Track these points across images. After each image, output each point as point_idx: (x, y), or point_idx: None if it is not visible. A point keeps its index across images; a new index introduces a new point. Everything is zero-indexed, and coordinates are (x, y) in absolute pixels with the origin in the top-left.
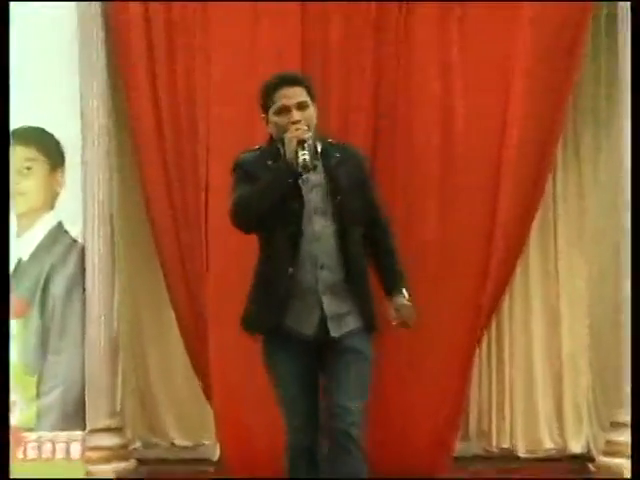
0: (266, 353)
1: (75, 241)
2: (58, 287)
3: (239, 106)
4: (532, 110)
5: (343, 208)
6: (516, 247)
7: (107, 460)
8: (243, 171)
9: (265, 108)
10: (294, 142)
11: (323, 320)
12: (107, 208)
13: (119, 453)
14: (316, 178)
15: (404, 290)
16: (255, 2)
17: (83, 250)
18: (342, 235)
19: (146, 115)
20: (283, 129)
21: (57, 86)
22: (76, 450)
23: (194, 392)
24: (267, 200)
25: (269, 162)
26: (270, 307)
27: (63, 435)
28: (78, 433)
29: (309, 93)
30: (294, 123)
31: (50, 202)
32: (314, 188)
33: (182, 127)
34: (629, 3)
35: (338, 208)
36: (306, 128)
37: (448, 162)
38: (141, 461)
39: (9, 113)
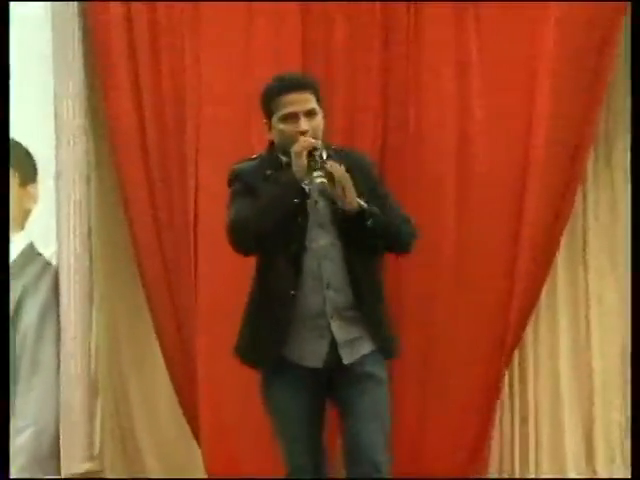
0: (265, 386)
1: (49, 263)
2: (30, 315)
3: (232, 107)
4: (560, 111)
5: (344, 225)
6: (544, 261)
7: None
8: (241, 184)
9: (268, 113)
10: (304, 156)
11: (333, 347)
12: (84, 226)
13: None
14: (314, 192)
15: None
16: (250, 2)
17: (57, 273)
18: (350, 251)
19: (127, 117)
20: (290, 138)
21: (30, 91)
22: None
23: (181, 432)
24: (269, 219)
25: (268, 172)
26: (269, 335)
27: None
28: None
29: (317, 98)
30: (302, 133)
31: (20, 221)
32: (318, 200)
33: (168, 130)
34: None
35: (338, 223)
36: (313, 141)
37: (465, 166)
38: None
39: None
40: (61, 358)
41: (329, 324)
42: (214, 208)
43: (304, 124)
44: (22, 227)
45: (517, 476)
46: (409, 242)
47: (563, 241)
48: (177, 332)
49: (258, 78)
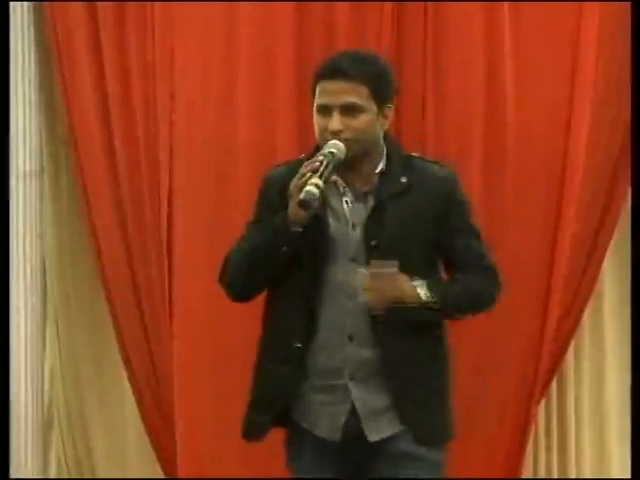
0: (287, 459)
1: None
2: None
3: (212, 103)
4: (605, 97)
5: (383, 258)
6: (588, 273)
7: None
8: (265, 199)
9: (313, 97)
10: (307, 175)
11: (355, 416)
12: (35, 235)
13: None
14: (360, 211)
15: (424, 284)
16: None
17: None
18: None
19: (88, 115)
20: (321, 135)
21: None
22: None
23: (151, 470)
24: (256, 267)
25: None
26: (264, 398)
27: None
28: None
29: (372, 91)
30: (333, 133)
31: None
32: (355, 225)
33: (136, 130)
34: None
35: (370, 259)
36: (339, 146)
37: (495, 179)
38: None
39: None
40: (10, 393)
41: (347, 387)
42: (190, 202)
43: (336, 121)
44: None
45: None
46: (489, 307)
47: (609, 253)
48: (148, 353)
49: (238, 67)
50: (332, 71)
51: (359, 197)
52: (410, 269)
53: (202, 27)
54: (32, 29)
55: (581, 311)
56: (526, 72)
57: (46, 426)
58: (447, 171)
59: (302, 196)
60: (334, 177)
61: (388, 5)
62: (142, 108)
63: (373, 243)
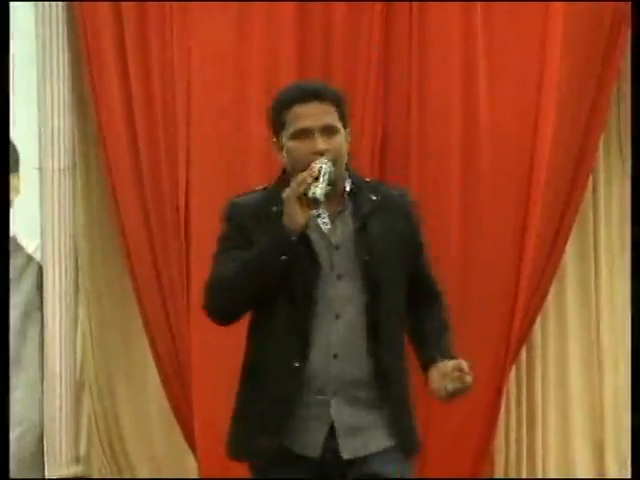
0: (253, 471)
1: (32, 258)
2: (12, 312)
3: (223, 95)
4: (568, 99)
5: (372, 273)
6: (553, 256)
7: None
8: (234, 226)
9: (277, 129)
10: (293, 200)
11: (333, 434)
12: (69, 220)
13: None
14: (343, 230)
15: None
16: (242, 2)
17: (41, 269)
18: (371, 311)
19: (115, 108)
20: (301, 160)
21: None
22: None
23: (172, 436)
24: (249, 284)
25: (274, 208)
26: (270, 420)
27: None
28: None
29: (340, 113)
30: (317, 154)
31: None
32: (340, 244)
33: (157, 122)
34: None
35: (365, 273)
36: (327, 164)
37: (470, 161)
38: None
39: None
40: (45, 356)
41: (329, 403)
42: (205, 201)
43: (321, 142)
44: None
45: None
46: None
47: (573, 235)
48: (168, 329)
49: (252, 78)
50: (307, 94)
51: (334, 216)
52: (395, 285)
53: (216, 27)
54: (65, 29)
55: (546, 293)
56: (498, 72)
57: (78, 388)
58: (405, 191)
59: (312, 192)
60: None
61: (378, 5)
62: (162, 109)
63: (366, 258)
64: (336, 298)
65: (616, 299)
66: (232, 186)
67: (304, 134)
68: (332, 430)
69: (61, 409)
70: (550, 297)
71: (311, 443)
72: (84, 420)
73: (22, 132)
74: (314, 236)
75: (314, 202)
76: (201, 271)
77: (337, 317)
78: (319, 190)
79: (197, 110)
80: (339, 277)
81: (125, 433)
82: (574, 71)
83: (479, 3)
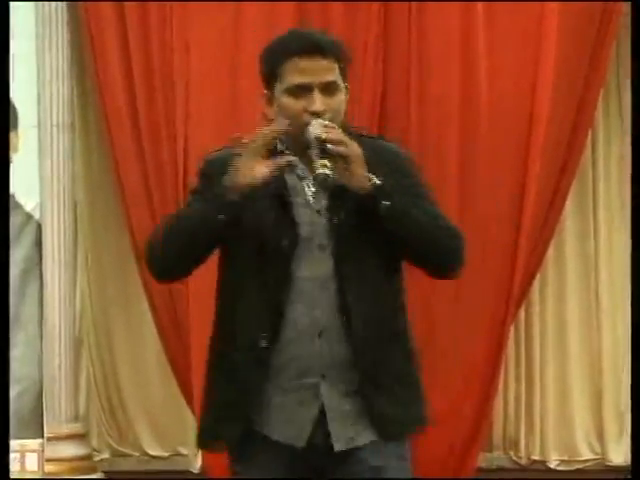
0: (231, 472)
1: (31, 216)
2: (11, 270)
3: (219, 73)
4: (566, 57)
5: (340, 238)
6: (551, 214)
7: (69, 473)
8: (206, 181)
9: (270, 81)
10: (254, 153)
11: (322, 422)
12: (68, 179)
13: (83, 465)
14: (323, 197)
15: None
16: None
17: (40, 227)
18: (345, 283)
19: (117, 95)
20: (294, 118)
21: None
22: (32, 461)
23: (171, 393)
24: (178, 243)
25: None
26: (231, 405)
27: (17, 444)
28: (35, 442)
29: (341, 69)
30: (314, 114)
31: None
32: (321, 211)
33: (156, 88)
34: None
35: (335, 238)
36: (330, 125)
37: (469, 120)
38: (109, 474)
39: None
40: (44, 314)
41: (317, 386)
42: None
43: (319, 102)
44: None
45: (522, 447)
46: (452, 255)
47: (572, 194)
48: (168, 292)
49: (247, 65)
50: (310, 47)
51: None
52: (371, 247)
53: (213, 25)
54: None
55: (545, 250)
56: (496, 67)
57: (77, 344)
58: (398, 146)
59: (321, 171)
60: (293, 159)
61: (375, 5)
62: (164, 110)
63: (334, 221)
64: (319, 271)
65: (615, 256)
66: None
67: (302, 90)
68: (319, 417)
69: (60, 366)
70: (549, 255)
71: (296, 432)
72: (83, 377)
73: (21, 90)
74: (296, 199)
75: (324, 181)
76: None
77: (321, 290)
78: (328, 168)
79: (195, 111)
80: (320, 247)
81: (123, 387)
82: (567, 64)
83: (480, 3)
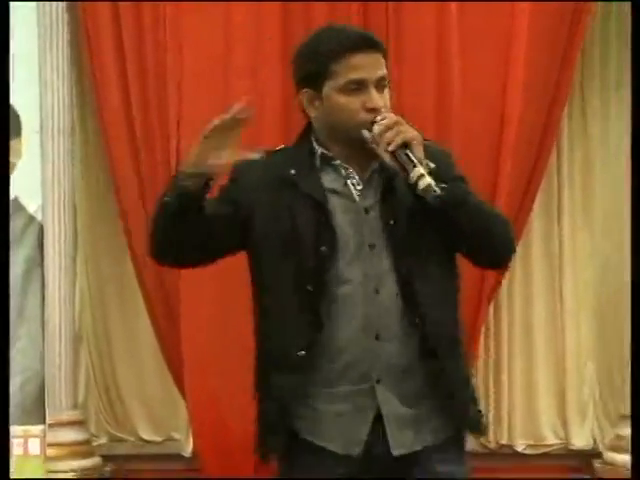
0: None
1: (33, 218)
2: (14, 269)
3: (211, 73)
4: (535, 78)
5: (397, 240)
6: (520, 215)
7: (69, 457)
8: (230, 181)
9: (316, 79)
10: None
11: (379, 427)
12: (68, 184)
13: (82, 449)
14: (370, 193)
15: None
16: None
17: (42, 228)
18: (403, 283)
19: (112, 94)
20: (351, 116)
21: (14, 48)
22: (35, 446)
23: (164, 383)
24: (156, 226)
25: (292, 171)
26: (276, 414)
27: (20, 430)
28: (37, 427)
29: (387, 65)
30: (373, 110)
31: None
32: (369, 210)
33: (150, 94)
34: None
35: (391, 240)
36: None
37: (443, 126)
38: (106, 457)
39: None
40: (46, 310)
41: (374, 391)
42: None
43: (376, 98)
44: None
45: (491, 433)
46: (507, 245)
47: (539, 196)
48: (160, 283)
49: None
50: (364, 43)
51: (365, 178)
52: (429, 246)
53: (204, 25)
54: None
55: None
56: (469, 66)
57: (76, 339)
58: (446, 148)
59: (429, 195)
60: (337, 162)
61: (355, 5)
62: (157, 111)
63: (391, 222)
64: (372, 270)
65: (578, 258)
66: None
67: (356, 86)
68: (375, 423)
69: (60, 359)
70: (517, 255)
71: (352, 440)
72: (82, 369)
73: (22, 95)
74: (340, 200)
75: (431, 193)
76: None
77: (376, 292)
78: (430, 180)
79: (187, 114)
80: (371, 246)
81: (120, 380)
82: (538, 62)
83: (453, 3)
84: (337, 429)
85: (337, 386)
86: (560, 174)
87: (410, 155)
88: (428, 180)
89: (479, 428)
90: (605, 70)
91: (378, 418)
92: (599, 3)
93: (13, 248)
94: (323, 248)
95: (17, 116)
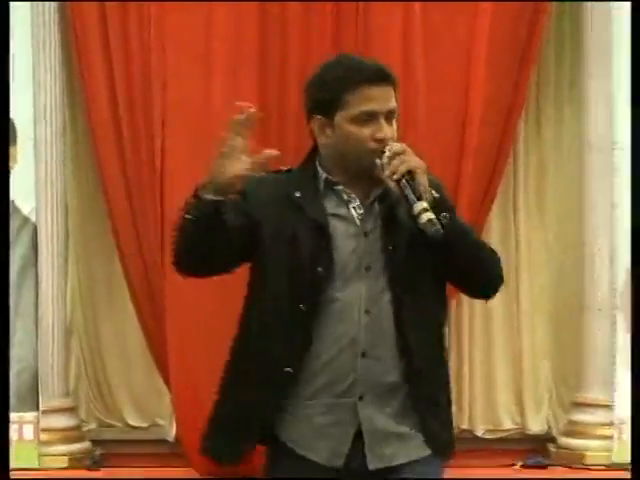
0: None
1: (27, 220)
2: (11, 267)
3: (193, 78)
4: (496, 79)
5: (396, 265)
6: (480, 215)
7: (61, 441)
8: (242, 196)
9: (328, 108)
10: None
11: (359, 442)
12: (60, 186)
13: (73, 434)
14: (370, 218)
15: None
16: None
17: (36, 229)
18: (397, 306)
19: (100, 94)
20: (359, 145)
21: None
22: (29, 431)
23: (150, 373)
24: (177, 239)
25: (297, 194)
26: (246, 424)
27: (15, 416)
28: (31, 414)
29: (396, 97)
30: (381, 141)
31: None
32: (369, 234)
33: (136, 99)
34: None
35: (389, 264)
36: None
37: (407, 129)
38: (95, 442)
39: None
40: (39, 305)
41: (355, 406)
42: (177, 165)
43: (386, 129)
44: None
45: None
46: (497, 279)
47: (497, 197)
48: (147, 284)
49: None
50: (378, 75)
51: (366, 204)
52: (427, 277)
53: (186, 25)
54: (57, 27)
55: None
56: (432, 66)
57: (68, 333)
58: (433, 176)
59: (430, 230)
60: (340, 187)
61: (329, 5)
62: (143, 111)
63: (390, 248)
64: (365, 291)
65: (533, 260)
66: (201, 151)
67: (368, 117)
68: (356, 437)
69: (53, 351)
70: None
71: (334, 451)
72: (73, 360)
73: (18, 101)
74: (340, 226)
75: (435, 232)
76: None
77: (367, 312)
78: (431, 215)
79: (172, 109)
80: (367, 269)
81: (108, 371)
82: (498, 63)
83: (417, 3)
84: (318, 440)
85: (319, 398)
86: (516, 177)
87: (414, 186)
88: (430, 215)
89: (444, 455)
90: (560, 70)
91: (359, 433)
92: (553, 3)
93: (10, 247)
94: (319, 269)
95: (13, 124)
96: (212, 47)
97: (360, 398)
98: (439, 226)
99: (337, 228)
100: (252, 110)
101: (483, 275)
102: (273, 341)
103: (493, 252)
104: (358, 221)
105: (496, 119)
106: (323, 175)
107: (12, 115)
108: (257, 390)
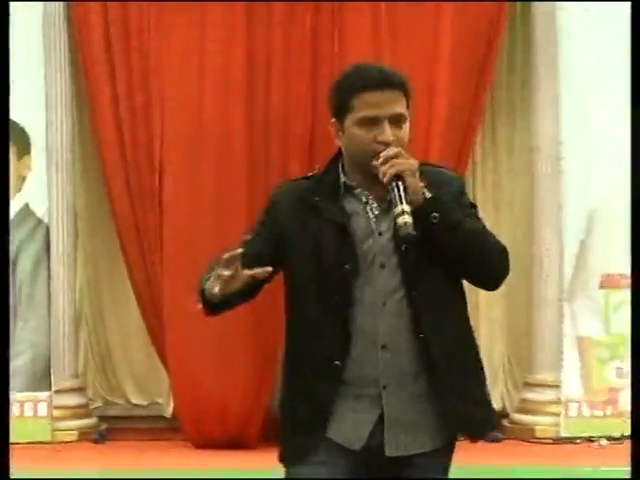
0: (288, 472)
1: (41, 221)
2: (26, 263)
3: (187, 81)
4: (459, 78)
5: (409, 263)
6: None
7: (71, 417)
8: (268, 212)
9: (341, 112)
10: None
11: (380, 429)
12: (70, 191)
13: (82, 411)
14: (386, 218)
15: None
16: (203, 3)
17: (48, 229)
18: (410, 302)
19: (104, 94)
20: (364, 148)
21: (23, 79)
22: (43, 409)
23: (150, 357)
24: (209, 303)
25: (317, 198)
26: (310, 421)
27: (30, 395)
28: (45, 394)
29: (407, 101)
30: (382, 143)
31: (18, 186)
32: (383, 233)
33: (136, 103)
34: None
35: (403, 262)
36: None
37: None
38: (101, 418)
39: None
40: (51, 297)
41: (380, 396)
42: (176, 165)
43: (388, 132)
44: (19, 191)
45: None
46: (499, 270)
47: None
48: (146, 275)
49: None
50: (379, 81)
51: (383, 205)
52: (439, 271)
53: (182, 27)
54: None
55: None
56: (398, 65)
57: (77, 322)
58: (454, 174)
59: (402, 232)
60: (358, 190)
61: (311, 5)
62: (143, 112)
63: (403, 247)
64: (380, 287)
65: None
66: (197, 160)
67: (372, 121)
68: (377, 424)
69: (64, 337)
70: None
71: (355, 436)
72: (81, 346)
73: (31, 118)
74: (358, 226)
75: (406, 237)
76: (170, 231)
77: (384, 305)
78: (408, 219)
79: (170, 110)
80: (382, 266)
81: (113, 355)
82: (463, 62)
83: (383, 3)
84: (345, 423)
85: (350, 388)
86: (475, 177)
87: (400, 189)
88: (405, 218)
89: (481, 432)
90: (512, 71)
91: (381, 420)
92: (506, 3)
93: (24, 246)
94: (347, 267)
95: (27, 138)
96: (205, 48)
97: (384, 387)
98: (411, 229)
99: (355, 228)
100: (268, 269)
101: (480, 268)
102: (318, 338)
103: (497, 246)
104: (373, 222)
105: (459, 120)
106: (342, 179)
107: (26, 128)
108: (316, 384)
